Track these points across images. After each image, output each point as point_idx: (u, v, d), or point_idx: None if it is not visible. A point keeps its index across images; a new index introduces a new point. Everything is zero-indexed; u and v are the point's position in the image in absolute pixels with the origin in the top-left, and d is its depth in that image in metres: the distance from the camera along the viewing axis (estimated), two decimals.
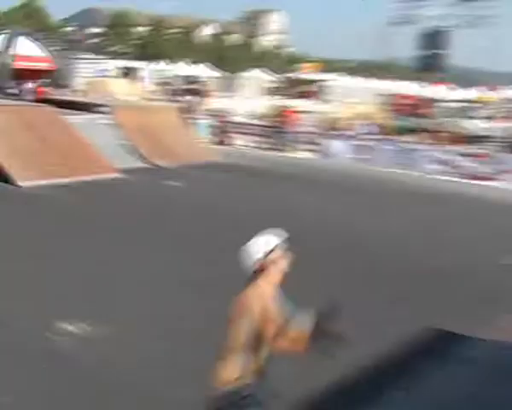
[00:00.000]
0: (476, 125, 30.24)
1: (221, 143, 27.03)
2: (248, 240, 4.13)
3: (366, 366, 7.07)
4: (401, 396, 6.56)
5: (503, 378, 7.26)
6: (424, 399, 6.60)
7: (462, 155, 23.66)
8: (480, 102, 38.98)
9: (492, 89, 39.22)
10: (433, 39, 36.48)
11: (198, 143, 24.29)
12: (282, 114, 28.80)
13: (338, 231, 13.47)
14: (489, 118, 34.74)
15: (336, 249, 12.02)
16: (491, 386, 7.00)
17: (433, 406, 6.51)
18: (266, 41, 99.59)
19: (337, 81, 56.66)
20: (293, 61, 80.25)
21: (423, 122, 30.13)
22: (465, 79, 50.09)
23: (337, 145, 26.08)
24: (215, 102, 34.59)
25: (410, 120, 31.32)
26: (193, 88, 42.44)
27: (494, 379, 7.20)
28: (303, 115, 29.31)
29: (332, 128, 27.79)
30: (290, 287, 4.26)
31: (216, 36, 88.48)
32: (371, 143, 25.46)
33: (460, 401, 6.59)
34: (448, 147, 24.80)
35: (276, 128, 27.67)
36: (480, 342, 8.12)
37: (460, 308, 9.29)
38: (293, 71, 64.82)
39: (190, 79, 49.35)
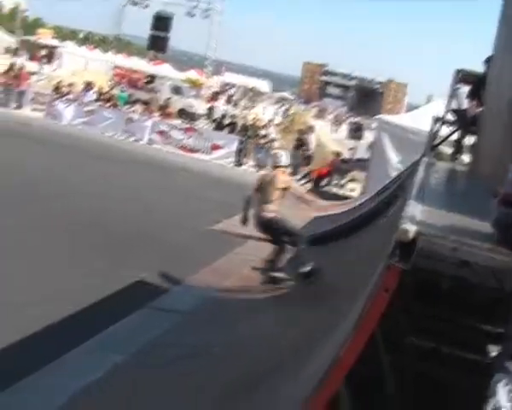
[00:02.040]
0: (188, 103, 30.83)
1: None
2: None
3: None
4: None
5: (197, 325, 7.46)
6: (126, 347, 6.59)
7: (175, 127, 24.23)
8: (196, 83, 39.93)
9: (208, 73, 40.31)
10: (162, 22, 36.73)
11: None
12: (17, 75, 27.59)
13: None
14: (200, 97, 35.73)
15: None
16: (184, 334, 7.19)
17: (133, 354, 6.45)
18: (8, 2, 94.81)
19: (74, 49, 55.31)
20: (30, 26, 77.07)
21: (143, 95, 30.26)
22: (184, 60, 51.11)
23: (67, 109, 25.60)
24: None
25: (132, 92, 31.45)
26: None
27: (187, 327, 7.41)
28: (37, 77, 28.26)
29: (63, 93, 27.14)
30: None
31: None
32: (98, 110, 25.32)
33: (157, 346, 6.68)
34: (164, 120, 25.20)
35: (9, 86, 26.46)
36: (178, 295, 8.35)
37: (160, 265, 9.35)
38: (30, 35, 62.25)
39: None
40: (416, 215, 3.72)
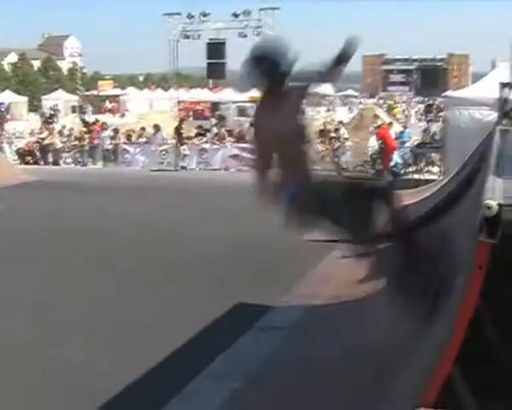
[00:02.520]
0: None
1: (35, 163, 26.70)
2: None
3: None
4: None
5: (302, 341, 7.49)
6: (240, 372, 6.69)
7: (247, 149, 24.56)
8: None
9: None
10: (216, 49, 37.17)
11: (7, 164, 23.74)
12: (91, 130, 28.53)
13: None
14: None
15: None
16: (294, 349, 7.23)
17: (248, 377, 6.50)
18: (66, 64, 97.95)
19: (136, 94, 56.58)
20: (90, 81, 79.42)
21: (210, 123, 30.67)
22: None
23: (139, 153, 26.33)
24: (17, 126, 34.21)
25: (201, 122, 32.00)
26: None
27: (296, 342, 7.48)
28: (108, 129, 29.03)
29: (132, 138, 27.89)
30: None
31: (16, 63, 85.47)
32: (169, 148, 25.89)
33: (270, 365, 6.75)
34: (235, 143, 25.57)
35: (89, 143, 27.40)
36: (280, 310, 8.41)
37: (259, 282, 9.52)
38: (92, 89, 64.13)
39: None
40: (497, 187, 3.78)
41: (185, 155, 25.23)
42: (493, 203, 3.37)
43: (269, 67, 5.13)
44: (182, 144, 25.49)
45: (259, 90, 5.34)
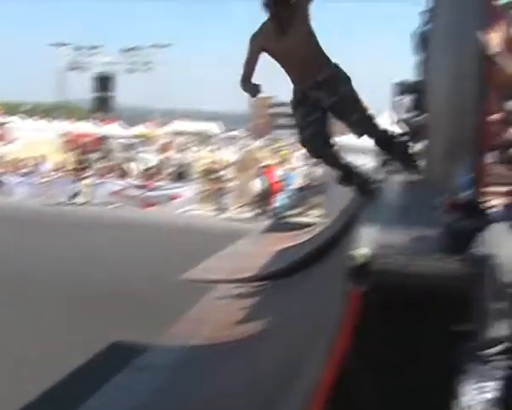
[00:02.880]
0: (141, 158, 30.72)
1: None
2: None
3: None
4: None
5: (180, 380, 7.49)
6: None
7: (130, 185, 24.35)
8: (146, 137, 39.93)
9: (157, 125, 40.44)
10: (104, 82, 36.87)
11: None
12: None
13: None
14: (156, 150, 35.70)
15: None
16: (173, 389, 7.19)
17: None
18: None
19: (20, 123, 55.05)
20: None
21: (95, 157, 30.12)
22: (132, 116, 51.10)
23: (20, 184, 25.62)
24: None
25: (86, 156, 31.42)
26: None
27: (174, 382, 7.44)
28: None
29: (14, 168, 27.15)
30: None
31: None
32: (54, 181, 25.31)
33: (148, 405, 6.69)
34: (119, 179, 25.28)
35: None
36: (159, 350, 8.33)
37: (138, 322, 9.41)
38: None
39: None
40: (369, 236, 3.90)
41: (78, 190, 24.64)
42: (363, 252, 3.48)
43: None
44: (81, 178, 24.94)
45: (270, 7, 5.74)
